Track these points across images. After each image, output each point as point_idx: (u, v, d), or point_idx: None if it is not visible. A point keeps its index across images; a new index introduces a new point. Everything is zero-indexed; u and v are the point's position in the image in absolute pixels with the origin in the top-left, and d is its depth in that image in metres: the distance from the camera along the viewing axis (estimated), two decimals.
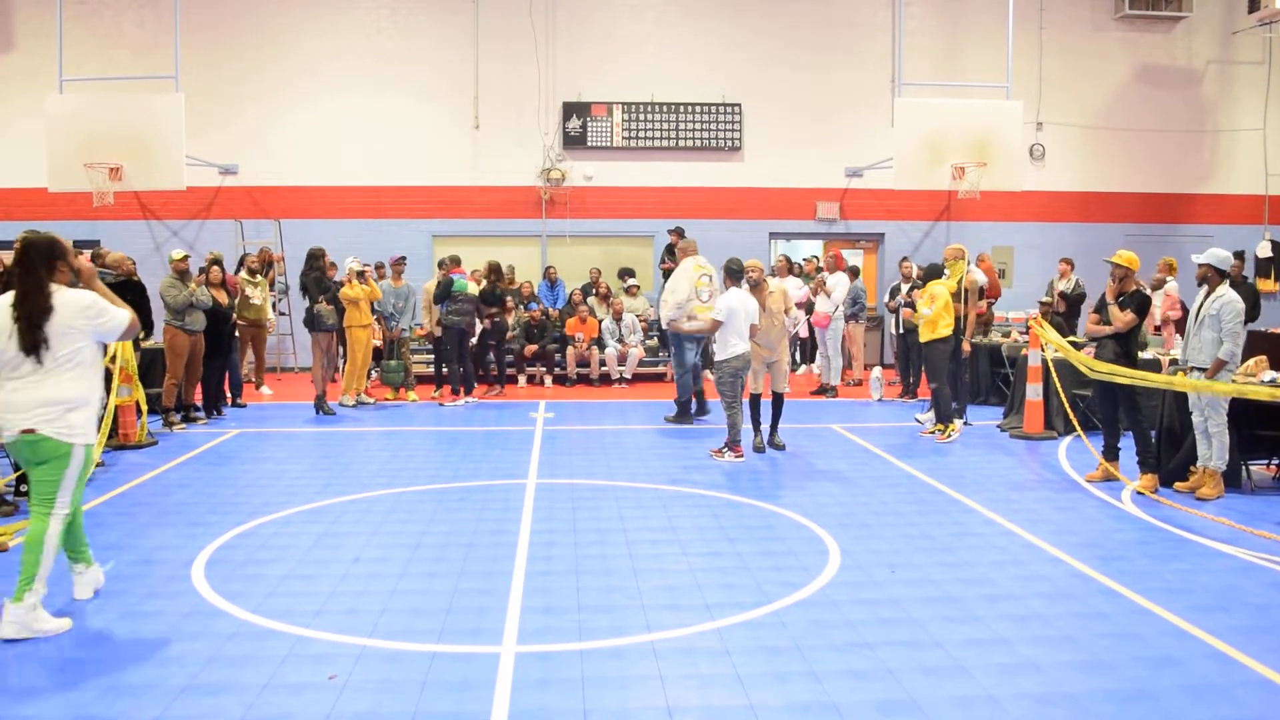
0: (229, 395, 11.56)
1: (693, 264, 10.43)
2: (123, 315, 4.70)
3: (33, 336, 4.45)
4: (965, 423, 10.23)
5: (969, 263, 10.39)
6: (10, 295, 4.54)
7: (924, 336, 9.75)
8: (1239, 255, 7.82)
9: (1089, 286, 14.20)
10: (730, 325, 8.47)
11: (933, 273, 10.18)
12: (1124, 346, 7.69)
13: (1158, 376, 7.41)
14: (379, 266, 13.38)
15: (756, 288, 8.94)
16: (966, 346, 10.08)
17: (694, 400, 10.78)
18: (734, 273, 8.72)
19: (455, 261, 12.10)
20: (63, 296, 4.55)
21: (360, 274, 11.55)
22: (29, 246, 4.58)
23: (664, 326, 10.93)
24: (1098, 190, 16.83)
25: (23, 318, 4.47)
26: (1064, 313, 12.54)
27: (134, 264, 10.18)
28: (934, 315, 9.56)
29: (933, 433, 9.67)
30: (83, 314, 4.56)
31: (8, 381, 4.52)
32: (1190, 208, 17.02)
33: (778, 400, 9.10)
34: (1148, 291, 8.34)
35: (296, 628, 4.57)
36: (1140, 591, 5.10)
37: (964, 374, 10.31)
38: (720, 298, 8.57)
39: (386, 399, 12.12)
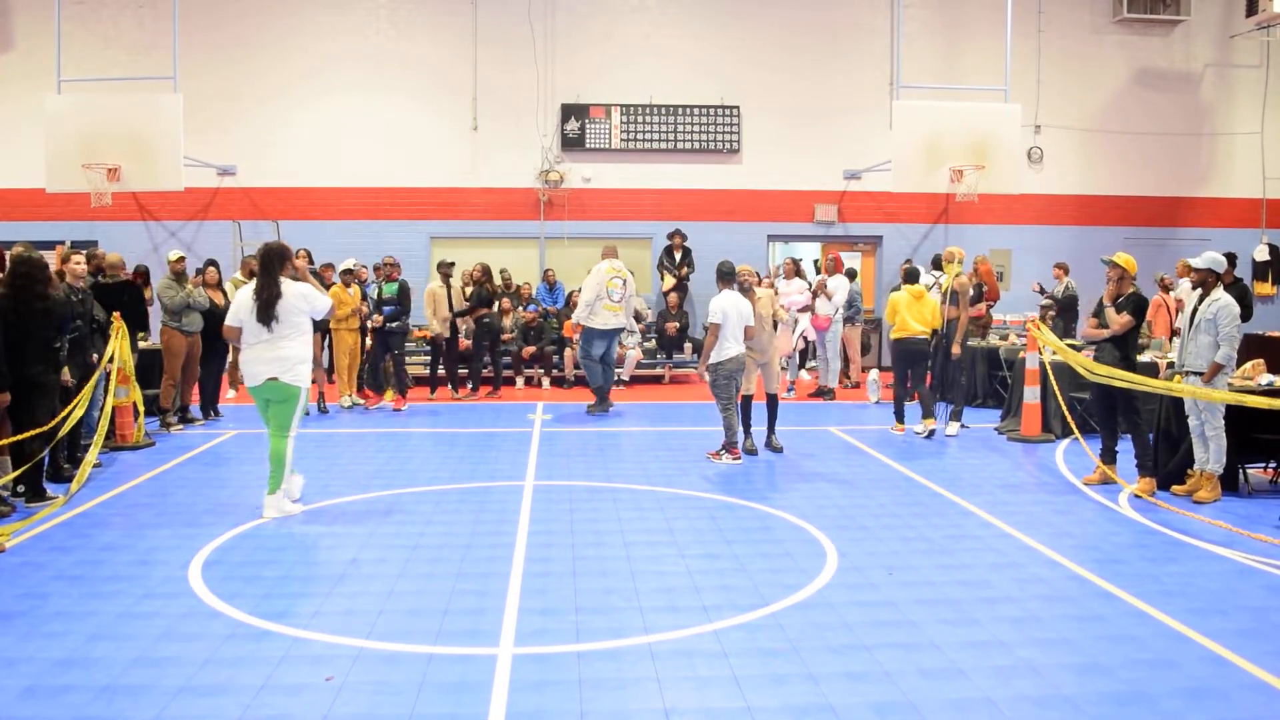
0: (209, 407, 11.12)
1: (607, 265, 11.23)
2: (326, 300, 6.85)
3: (266, 313, 6.47)
4: (963, 425, 10.24)
5: (962, 266, 10.46)
6: (253, 284, 6.61)
7: (894, 335, 10.05)
8: (1228, 256, 7.87)
9: (1088, 289, 14.26)
10: (724, 327, 8.45)
11: (911, 276, 10.26)
12: (1122, 350, 7.66)
13: (1156, 381, 7.40)
14: (377, 269, 13.35)
15: (746, 293, 8.84)
16: (957, 349, 10.10)
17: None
18: (726, 275, 8.70)
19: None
20: (289, 287, 6.57)
21: (348, 272, 11.61)
22: (269, 252, 6.60)
23: (573, 325, 11.87)
24: (1096, 193, 16.86)
25: (260, 300, 6.49)
26: (1056, 315, 12.58)
27: (123, 266, 10.19)
28: (888, 318, 10.15)
29: (923, 432, 9.78)
30: (303, 299, 6.61)
31: (250, 346, 6.54)
32: (1188, 211, 17.05)
33: (772, 402, 9.10)
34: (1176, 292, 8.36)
35: (293, 629, 4.56)
36: (1137, 594, 5.10)
37: (960, 376, 10.32)
38: (713, 300, 8.56)
39: (384, 401, 12.10)
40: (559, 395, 13.25)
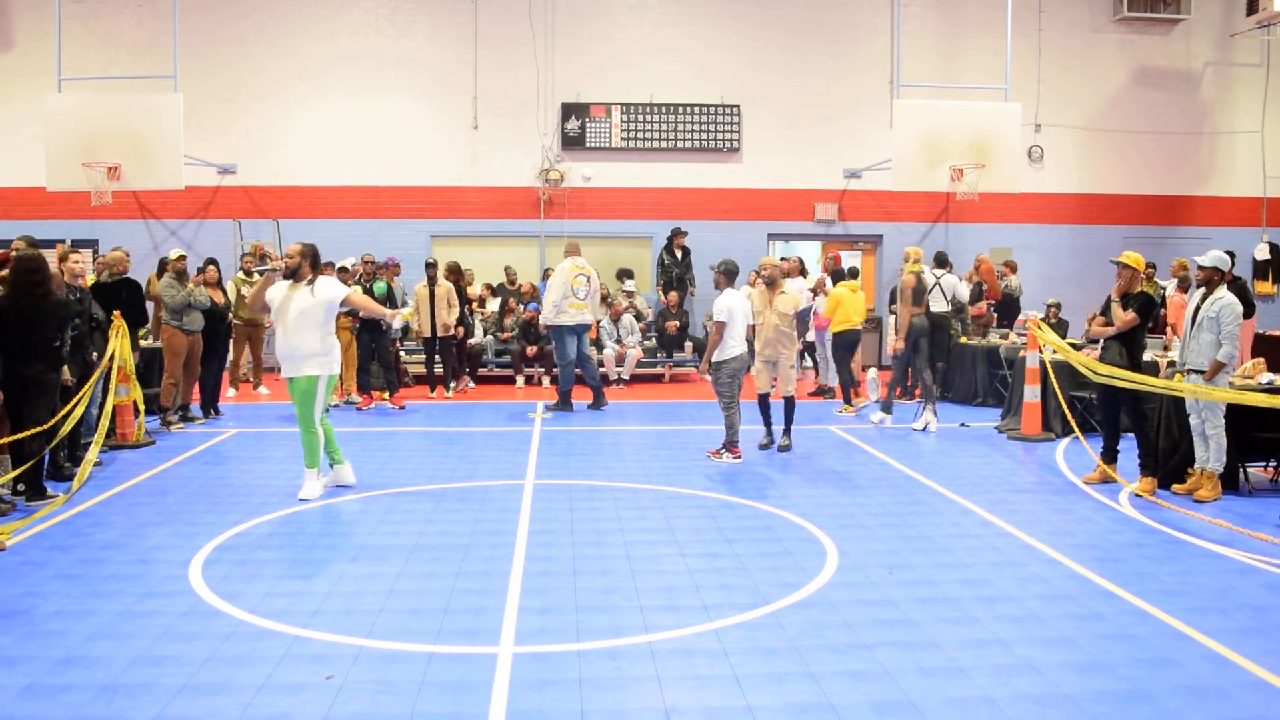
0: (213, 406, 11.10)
1: (570, 264, 11.33)
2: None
3: None
4: (964, 424, 10.24)
5: (919, 265, 11.17)
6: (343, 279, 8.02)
7: (831, 328, 11.46)
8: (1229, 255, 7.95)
9: (1089, 289, 14.28)
10: (729, 327, 8.46)
11: (837, 276, 11.75)
12: (1128, 348, 7.61)
13: (1158, 381, 7.39)
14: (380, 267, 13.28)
15: (771, 285, 8.93)
16: (898, 344, 10.59)
17: (596, 393, 11.68)
18: (730, 274, 8.72)
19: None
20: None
21: (343, 270, 11.60)
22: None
23: (541, 325, 12.07)
24: (1096, 192, 16.86)
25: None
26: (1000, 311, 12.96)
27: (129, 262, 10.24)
28: (827, 312, 11.53)
29: (843, 411, 11.01)
30: None
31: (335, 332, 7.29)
32: (1188, 210, 17.04)
33: (789, 403, 9.05)
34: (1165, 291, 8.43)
35: (294, 628, 4.57)
36: (1137, 593, 5.10)
37: (923, 370, 10.41)
38: (719, 299, 8.57)
39: (383, 400, 12.08)
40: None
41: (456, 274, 13.06)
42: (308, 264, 7.18)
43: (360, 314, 11.37)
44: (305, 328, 7.06)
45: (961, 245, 15.78)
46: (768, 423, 9.15)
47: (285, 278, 7.20)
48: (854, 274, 11.96)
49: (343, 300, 7.29)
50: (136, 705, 3.77)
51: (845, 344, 11.36)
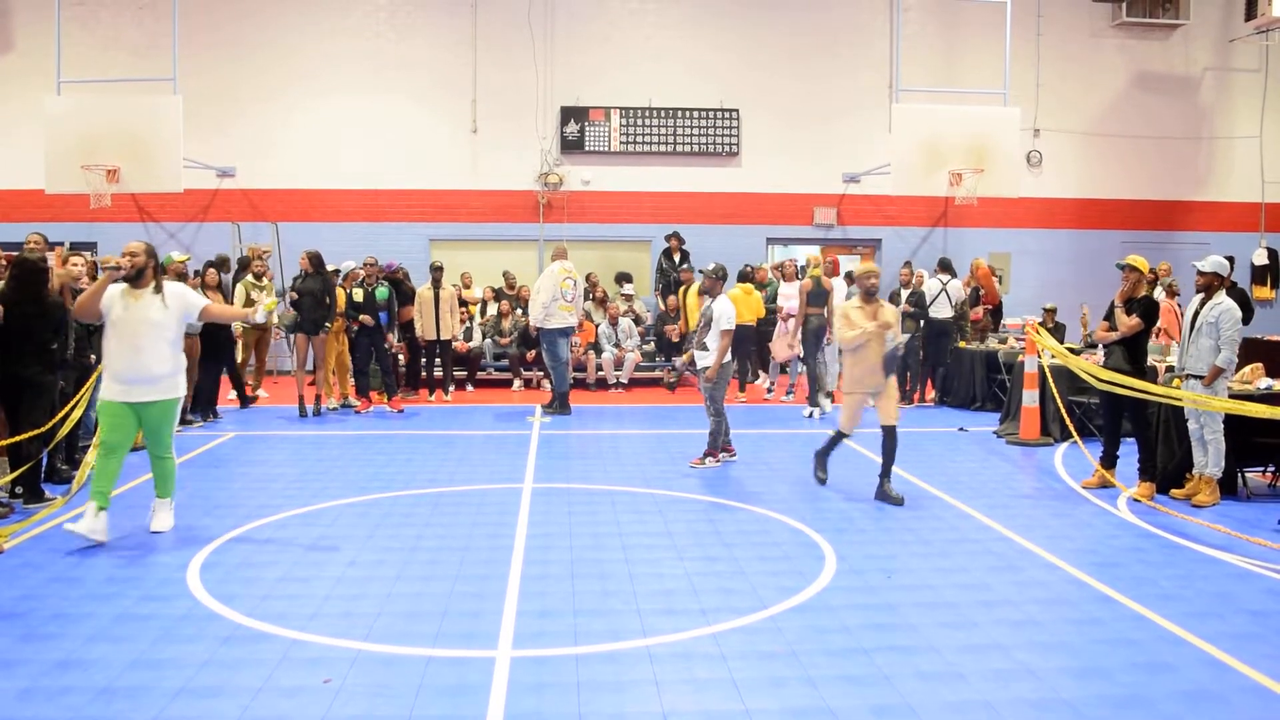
0: (238, 398, 11.65)
1: (559, 267, 11.47)
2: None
3: None
4: (962, 429, 10.25)
5: (820, 270, 11.78)
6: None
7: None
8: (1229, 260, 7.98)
9: (1087, 294, 14.29)
10: (721, 330, 8.42)
11: (741, 278, 12.81)
12: (1132, 353, 7.58)
13: (1157, 388, 7.38)
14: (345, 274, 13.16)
15: (871, 298, 7.41)
16: (797, 345, 11.73)
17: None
18: (724, 279, 8.71)
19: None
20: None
21: (334, 273, 11.60)
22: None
23: (531, 327, 12.06)
24: (1094, 197, 16.88)
25: None
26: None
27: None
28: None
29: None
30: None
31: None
32: (1187, 215, 17.07)
33: (891, 437, 7.42)
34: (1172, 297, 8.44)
35: (291, 631, 4.56)
36: (1136, 598, 5.11)
37: (815, 364, 11.38)
38: (718, 304, 8.53)
39: (382, 404, 12.07)
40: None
41: (401, 281, 12.84)
42: (152, 266, 6.09)
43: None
44: (160, 344, 6.02)
45: (960, 250, 15.79)
46: (825, 462, 7.85)
47: (125, 280, 6.01)
48: (745, 277, 13.12)
49: (200, 312, 6.31)
50: (135, 708, 3.77)
51: (739, 339, 11.30)
